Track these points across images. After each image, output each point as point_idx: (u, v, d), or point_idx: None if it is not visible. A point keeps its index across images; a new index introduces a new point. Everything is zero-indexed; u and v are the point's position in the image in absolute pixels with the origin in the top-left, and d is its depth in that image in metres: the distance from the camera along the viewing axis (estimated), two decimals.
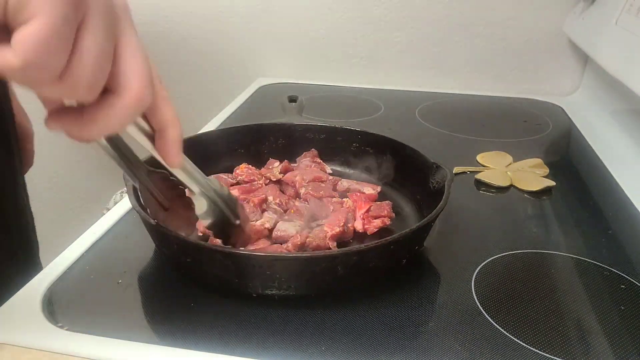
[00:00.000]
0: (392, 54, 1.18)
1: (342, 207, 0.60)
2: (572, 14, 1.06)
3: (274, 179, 0.68)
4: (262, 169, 0.70)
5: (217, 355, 0.42)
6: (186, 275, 0.51)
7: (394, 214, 0.59)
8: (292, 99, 0.93)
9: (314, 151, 0.73)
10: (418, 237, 0.53)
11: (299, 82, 1.22)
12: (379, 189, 0.65)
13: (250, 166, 0.69)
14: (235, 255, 0.46)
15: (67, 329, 0.44)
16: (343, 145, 0.72)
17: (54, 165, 1.40)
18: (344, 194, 0.65)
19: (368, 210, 0.59)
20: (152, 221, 0.47)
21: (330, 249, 0.53)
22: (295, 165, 0.71)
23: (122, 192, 1.05)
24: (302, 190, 0.63)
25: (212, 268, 0.47)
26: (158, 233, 0.50)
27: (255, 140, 0.74)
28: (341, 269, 0.46)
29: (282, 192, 0.65)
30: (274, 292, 0.47)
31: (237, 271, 0.46)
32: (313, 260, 0.46)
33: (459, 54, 1.16)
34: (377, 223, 0.57)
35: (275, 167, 0.69)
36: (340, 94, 1.14)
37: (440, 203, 0.52)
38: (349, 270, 0.46)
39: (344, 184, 0.67)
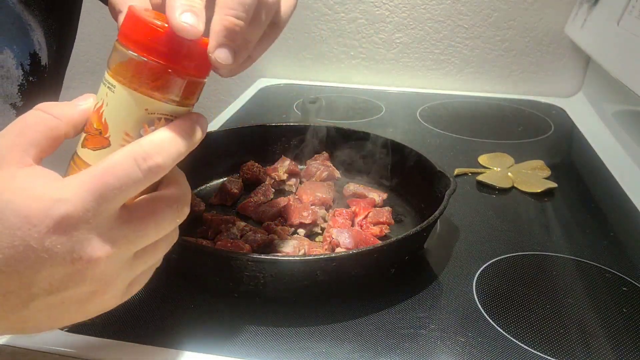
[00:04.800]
0: (394, 55, 1.18)
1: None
2: (574, 16, 1.05)
3: (279, 179, 0.68)
4: (269, 168, 0.70)
5: (217, 357, 0.42)
6: (183, 276, 0.51)
7: (393, 221, 0.59)
8: (312, 101, 0.93)
9: (325, 154, 0.72)
10: (405, 248, 0.51)
11: (300, 83, 1.22)
12: (384, 195, 0.65)
13: (256, 164, 0.69)
14: (214, 254, 0.45)
15: (66, 330, 0.44)
16: (356, 148, 0.72)
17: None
18: (349, 198, 0.65)
19: (366, 217, 0.58)
20: None
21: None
22: (304, 167, 0.71)
23: None
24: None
25: (195, 266, 0.47)
26: None
27: (268, 140, 0.74)
28: (320, 274, 0.45)
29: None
30: (254, 293, 0.47)
31: (216, 270, 0.46)
32: (290, 264, 0.45)
33: (460, 55, 1.16)
34: (375, 231, 0.57)
35: (282, 166, 0.69)
36: (342, 95, 1.14)
37: (432, 216, 0.50)
38: (329, 276, 0.46)
39: (350, 187, 0.66)
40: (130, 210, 0.31)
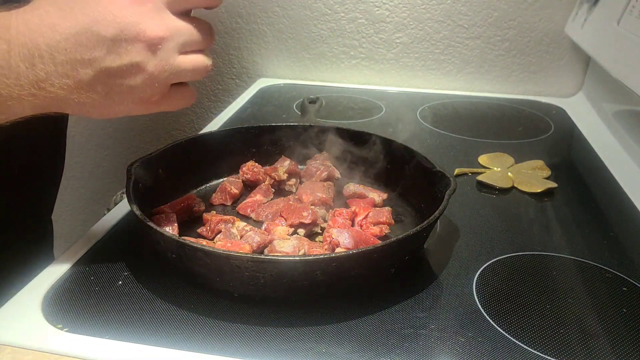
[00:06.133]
0: (394, 55, 1.18)
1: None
2: (574, 15, 1.05)
3: (279, 179, 0.68)
4: (268, 168, 0.70)
5: (218, 357, 0.42)
6: (183, 276, 0.51)
7: (393, 221, 0.59)
8: (312, 101, 0.93)
9: (325, 154, 0.72)
10: (405, 248, 0.50)
11: (300, 83, 1.22)
12: (385, 196, 0.65)
13: (256, 164, 0.69)
14: (214, 254, 0.45)
15: (67, 331, 0.44)
16: (356, 148, 0.71)
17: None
18: (349, 197, 0.65)
19: (366, 217, 0.58)
20: (142, 215, 0.48)
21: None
22: (304, 167, 0.71)
23: (122, 193, 1.05)
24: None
25: (195, 266, 0.47)
26: (146, 228, 0.50)
27: (268, 140, 0.73)
28: (320, 274, 0.45)
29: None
30: (254, 293, 0.47)
31: (216, 270, 0.46)
32: (290, 264, 0.45)
33: (460, 55, 1.16)
34: (375, 231, 0.57)
35: (282, 166, 0.69)
36: (342, 95, 1.14)
37: (432, 216, 0.50)
38: (329, 276, 0.46)
39: (350, 187, 0.66)
40: (181, 15, 0.44)
